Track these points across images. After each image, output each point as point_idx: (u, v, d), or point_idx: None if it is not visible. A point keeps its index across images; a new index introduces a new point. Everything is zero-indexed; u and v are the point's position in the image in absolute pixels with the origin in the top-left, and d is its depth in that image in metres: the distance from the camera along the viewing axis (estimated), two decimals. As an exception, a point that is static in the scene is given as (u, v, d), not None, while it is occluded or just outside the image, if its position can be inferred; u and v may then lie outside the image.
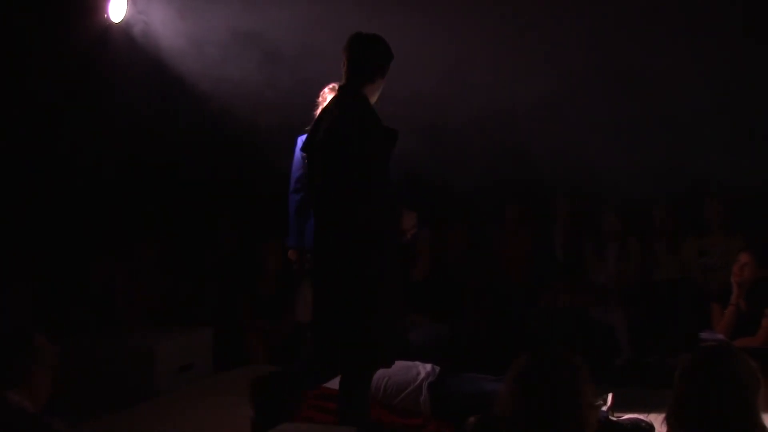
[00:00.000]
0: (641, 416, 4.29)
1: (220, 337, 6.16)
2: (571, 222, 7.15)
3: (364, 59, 4.04)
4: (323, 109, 4.20)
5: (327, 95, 4.82)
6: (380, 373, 4.60)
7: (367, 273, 3.92)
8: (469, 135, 6.61)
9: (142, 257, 6.88)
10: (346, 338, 3.96)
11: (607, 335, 6.30)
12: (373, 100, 4.10)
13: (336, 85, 4.76)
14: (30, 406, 3.01)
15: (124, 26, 6.16)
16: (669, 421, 2.86)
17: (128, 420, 4.86)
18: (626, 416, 4.23)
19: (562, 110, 6.46)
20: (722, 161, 6.44)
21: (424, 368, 4.65)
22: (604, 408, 4.17)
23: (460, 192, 7.16)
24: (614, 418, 4.18)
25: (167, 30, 6.12)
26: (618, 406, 4.43)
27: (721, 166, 6.48)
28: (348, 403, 4.02)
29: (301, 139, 4.83)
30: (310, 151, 4.12)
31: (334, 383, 4.61)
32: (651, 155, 6.39)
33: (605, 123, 6.38)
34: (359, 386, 4.04)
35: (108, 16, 6.07)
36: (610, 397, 4.32)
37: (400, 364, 4.82)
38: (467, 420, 3.58)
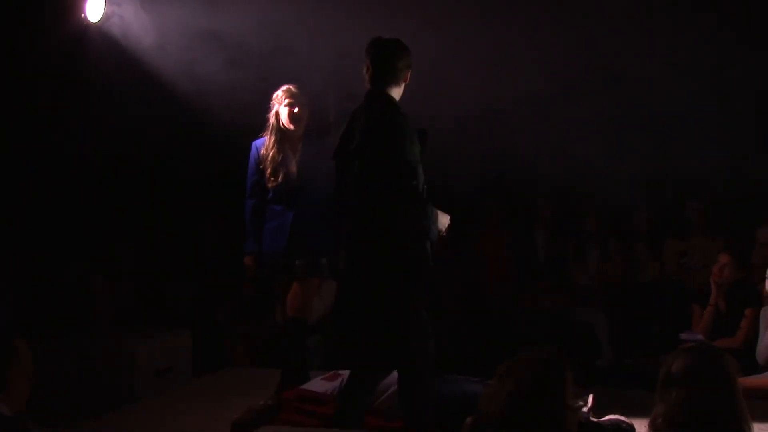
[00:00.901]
0: (622, 417, 4.29)
1: (200, 340, 6.12)
2: (553, 223, 7.17)
3: (390, 64, 4.12)
4: (352, 116, 4.20)
5: (282, 98, 4.84)
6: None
7: (411, 274, 4.01)
8: (453, 136, 6.60)
9: (121, 259, 6.83)
10: (390, 339, 4.04)
11: (588, 336, 6.32)
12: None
13: (291, 87, 4.87)
14: (7, 410, 2.97)
15: (102, 26, 6.12)
16: (656, 424, 2.86)
17: (108, 424, 4.82)
18: (607, 417, 4.22)
19: (545, 112, 6.47)
20: (702, 164, 6.48)
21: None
22: (585, 408, 4.17)
23: (442, 193, 7.14)
24: (595, 419, 4.17)
25: (144, 30, 6.08)
26: (599, 406, 4.43)
27: (701, 168, 6.52)
28: (410, 404, 4.06)
29: (256, 145, 4.93)
30: (344, 158, 4.14)
31: (313, 385, 4.61)
32: (632, 158, 6.41)
33: (588, 125, 6.40)
34: (418, 385, 4.07)
35: (85, 16, 6.03)
36: (591, 397, 4.32)
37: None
38: (465, 420, 3.58)
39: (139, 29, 6.09)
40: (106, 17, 6.10)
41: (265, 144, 4.90)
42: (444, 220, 4.23)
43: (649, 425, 2.92)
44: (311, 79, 5.14)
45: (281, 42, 5.87)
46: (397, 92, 4.16)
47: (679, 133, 6.52)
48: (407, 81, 4.20)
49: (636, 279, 6.78)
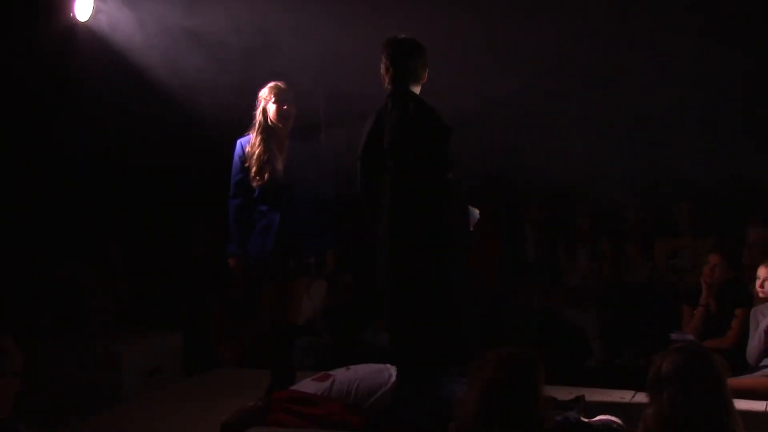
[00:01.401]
0: (613, 417, 4.29)
1: (190, 341, 6.10)
2: (543, 224, 7.17)
3: (411, 63, 4.16)
4: (379, 116, 4.18)
5: (270, 95, 4.74)
6: (351, 376, 4.57)
7: (452, 269, 4.07)
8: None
9: (111, 260, 6.81)
10: (433, 335, 4.07)
11: (578, 336, 6.33)
12: None
13: (279, 84, 4.78)
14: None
15: (91, 25, 6.10)
16: (646, 424, 2.86)
17: (97, 425, 4.80)
18: (598, 417, 4.22)
19: (533, 112, 6.47)
20: (692, 164, 6.48)
21: (396, 370, 4.62)
22: (575, 410, 4.17)
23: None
24: (585, 420, 4.17)
25: (133, 28, 6.06)
26: (589, 407, 4.43)
27: (691, 168, 6.52)
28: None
29: (241, 142, 4.81)
30: (373, 158, 4.13)
31: (303, 386, 4.59)
32: (623, 158, 6.41)
33: (577, 125, 6.40)
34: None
35: (74, 15, 6.01)
36: (581, 398, 4.32)
37: (371, 367, 4.79)
38: (449, 426, 3.57)
39: (128, 27, 6.07)
40: (94, 15, 6.07)
41: (250, 142, 4.78)
42: (475, 214, 4.24)
43: (639, 425, 2.92)
44: (297, 77, 5.08)
45: (268, 39, 5.86)
46: (417, 91, 4.19)
47: (669, 134, 6.53)
48: (425, 80, 4.22)
49: (626, 279, 6.78)
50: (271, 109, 4.74)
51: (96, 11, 6.09)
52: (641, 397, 2.92)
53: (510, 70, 6.08)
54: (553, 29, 6.12)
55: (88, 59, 6.13)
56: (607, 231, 6.94)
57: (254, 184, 4.73)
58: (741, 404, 3.77)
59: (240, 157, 4.81)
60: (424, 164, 4.03)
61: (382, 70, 4.20)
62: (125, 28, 6.07)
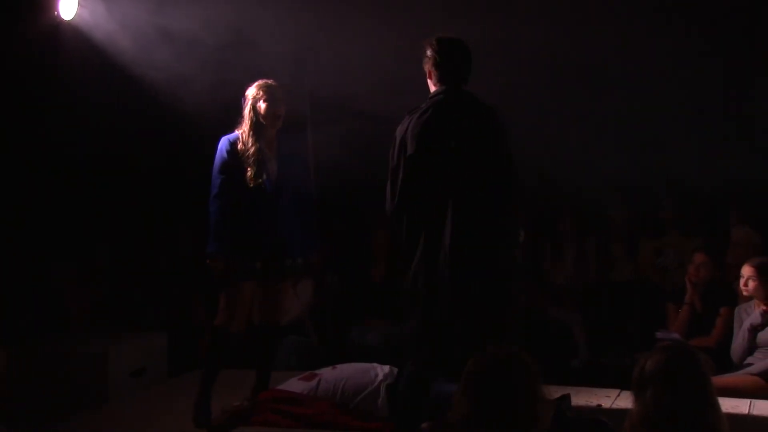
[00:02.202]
0: (598, 415, 4.31)
1: (174, 341, 6.08)
2: (529, 223, 7.16)
3: (465, 62, 4.08)
4: (433, 114, 3.99)
5: (261, 94, 4.62)
6: (338, 375, 4.57)
7: (513, 266, 4.09)
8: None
9: (96, 260, 6.77)
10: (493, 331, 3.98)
11: (564, 336, 6.33)
12: None
13: (270, 82, 4.67)
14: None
15: (75, 23, 6.07)
16: (632, 423, 2.86)
17: (81, 425, 4.79)
18: (584, 415, 4.23)
19: (517, 111, 6.46)
20: (678, 163, 6.50)
21: (382, 370, 4.62)
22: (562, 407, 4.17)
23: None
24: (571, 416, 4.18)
25: (117, 27, 6.03)
26: (575, 405, 4.44)
27: (676, 168, 6.55)
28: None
29: (229, 140, 4.65)
30: (433, 156, 3.94)
31: (290, 385, 4.58)
32: (608, 158, 6.41)
33: (562, 124, 6.41)
34: None
35: (58, 14, 5.98)
36: (567, 396, 4.32)
37: (357, 366, 4.80)
38: (421, 426, 3.57)
39: (111, 26, 6.03)
40: (78, 15, 6.04)
41: (242, 140, 4.64)
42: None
43: (625, 424, 2.93)
44: (279, 74, 5.01)
45: (243, 37, 5.83)
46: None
47: (654, 134, 6.55)
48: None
49: (612, 278, 6.80)
50: (263, 108, 4.63)
51: (80, 9, 6.05)
52: (626, 396, 2.92)
53: (494, 69, 6.08)
54: (537, 28, 6.11)
55: (73, 58, 6.10)
56: (593, 231, 6.95)
57: (251, 184, 4.58)
58: (725, 402, 3.78)
59: (229, 156, 4.63)
60: (501, 167, 3.96)
61: (431, 65, 4.06)
62: (109, 26, 6.04)
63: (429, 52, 4.07)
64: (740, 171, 6.05)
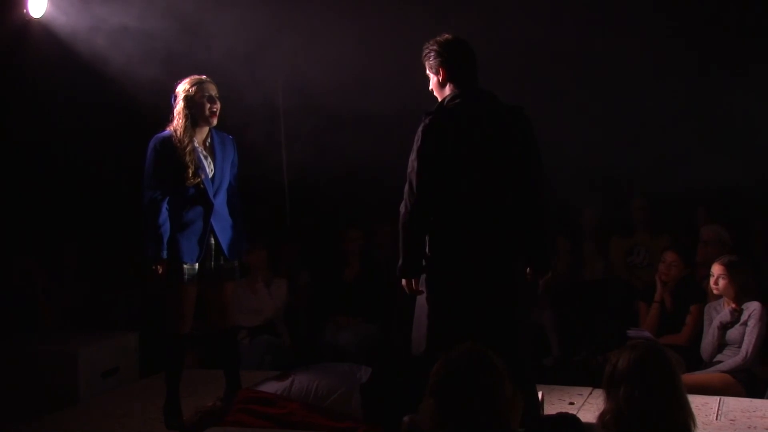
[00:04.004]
0: (568, 411, 4.35)
1: (146, 341, 6.03)
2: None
3: (473, 62, 4.01)
4: (459, 114, 3.88)
5: (200, 90, 4.44)
6: (311, 375, 4.56)
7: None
8: (398, 129, 6.59)
9: (64, 259, 6.71)
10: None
11: (536, 334, 6.35)
12: None
13: (207, 78, 4.51)
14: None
15: (44, 21, 6.01)
16: (604, 420, 2.89)
17: (51, 426, 4.75)
18: (554, 412, 4.26)
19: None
20: (647, 163, 6.56)
21: (356, 370, 4.62)
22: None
23: (389, 190, 7.13)
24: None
25: (87, 25, 5.98)
26: (546, 403, 4.47)
27: (646, 167, 6.60)
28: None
29: (162, 139, 4.46)
30: (457, 160, 3.83)
31: (264, 385, 4.57)
32: (579, 157, 6.46)
33: (534, 123, 6.43)
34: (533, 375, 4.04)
35: (27, 11, 5.92)
36: (539, 395, 4.35)
37: (331, 366, 4.79)
38: (402, 420, 3.57)
39: (81, 24, 5.98)
40: (48, 13, 5.99)
41: (177, 138, 4.41)
42: None
43: (597, 421, 2.95)
44: (223, 72, 4.92)
45: (211, 34, 5.80)
46: None
47: (624, 132, 6.60)
48: None
49: (583, 277, 6.84)
50: (201, 104, 4.46)
51: (49, 7, 6.00)
52: (598, 394, 2.94)
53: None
54: (505, 26, 6.13)
55: (41, 55, 6.04)
56: (565, 230, 6.99)
57: (187, 183, 4.41)
58: (695, 399, 3.82)
59: (162, 155, 4.42)
60: (536, 172, 3.89)
61: (437, 71, 3.96)
62: (78, 24, 5.98)
63: (435, 52, 3.98)
64: (708, 170, 6.11)
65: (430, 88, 4.08)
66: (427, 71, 4.06)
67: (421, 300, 3.97)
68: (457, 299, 3.84)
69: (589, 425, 3.86)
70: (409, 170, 3.87)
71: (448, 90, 3.98)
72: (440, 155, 3.82)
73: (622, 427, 2.83)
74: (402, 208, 3.88)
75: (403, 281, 3.94)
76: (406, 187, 3.87)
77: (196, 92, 4.46)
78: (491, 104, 3.96)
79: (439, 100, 4.02)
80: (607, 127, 6.52)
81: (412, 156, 3.86)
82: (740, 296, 5.14)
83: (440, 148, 3.82)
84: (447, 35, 4.02)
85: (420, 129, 3.87)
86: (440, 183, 3.83)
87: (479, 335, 3.64)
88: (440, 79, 3.99)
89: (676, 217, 6.81)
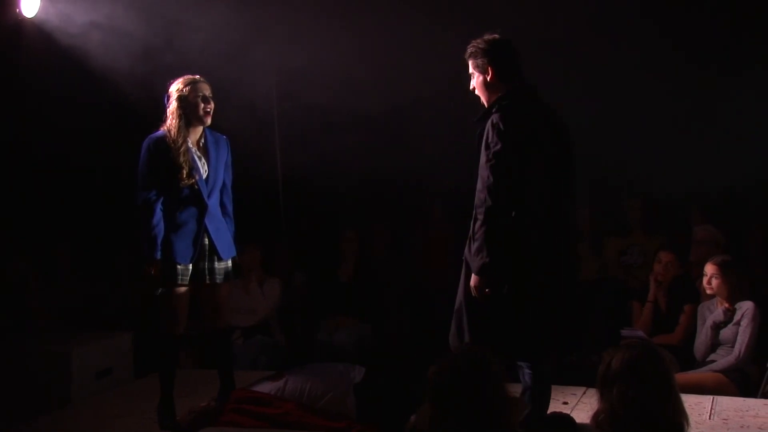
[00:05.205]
0: (562, 411, 4.35)
1: (140, 341, 6.02)
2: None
3: (519, 61, 4.03)
4: (522, 112, 3.88)
5: (194, 90, 4.42)
6: (306, 375, 4.57)
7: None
8: (390, 131, 6.60)
9: (58, 259, 6.70)
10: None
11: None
12: None
13: (200, 78, 4.49)
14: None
15: (37, 21, 6.00)
16: (598, 420, 2.89)
17: (44, 427, 4.74)
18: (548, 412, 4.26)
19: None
20: (642, 163, 6.56)
21: (351, 370, 4.62)
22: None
23: (383, 191, 7.14)
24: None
25: (80, 25, 5.97)
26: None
27: (640, 167, 6.60)
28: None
29: (156, 139, 4.43)
30: (531, 160, 3.84)
31: (258, 385, 4.57)
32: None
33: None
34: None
35: (20, 11, 5.91)
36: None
37: (326, 366, 4.80)
38: (408, 419, 3.57)
39: (71, 23, 5.97)
40: (41, 12, 5.98)
41: (171, 138, 4.40)
42: None
43: (591, 421, 2.96)
44: (215, 72, 4.90)
45: (203, 36, 5.81)
46: None
47: (619, 132, 6.60)
48: None
49: (578, 277, 6.83)
50: (195, 104, 4.43)
51: (42, 7, 5.98)
52: (592, 394, 2.94)
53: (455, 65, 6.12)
54: (500, 24, 6.14)
55: (34, 55, 6.02)
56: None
57: (181, 184, 4.38)
58: (689, 399, 3.83)
59: (156, 155, 4.40)
60: (571, 168, 4.00)
61: (485, 70, 3.96)
62: (71, 23, 5.97)
63: (483, 51, 3.97)
64: (702, 170, 6.12)
65: (472, 86, 4.08)
66: (471, 69, 4.05)
67: (466, 292, 3.97)
68: (539, 295, 3.88)
69: (582, 425, 3.87)
70: (488, 165, 3.80)
71: (498, 89, 3.97)
72: (523, 150, 3.82)
73: (616, 426, 2.84)
74: (482, 207, 3.84)
75: (481, 280, 3.88)
76: (484, 183, 3.82)
77: (189, 92, 4.45)
78: (545, 103, 4.03)
79: (484, 98, 4.03)
80: (601, 127, 6.52)
81: (496, 148, 3.78)
82: (733, 296, 5.15)
83: (520, 145, 3.81)
84: (494, 34, 4.02)
85: (496, 125, 3.81)
86: (521, 179, 3.83)
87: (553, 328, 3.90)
88: (488, 77, 3.99)
89: (671, 217, 6.82)
